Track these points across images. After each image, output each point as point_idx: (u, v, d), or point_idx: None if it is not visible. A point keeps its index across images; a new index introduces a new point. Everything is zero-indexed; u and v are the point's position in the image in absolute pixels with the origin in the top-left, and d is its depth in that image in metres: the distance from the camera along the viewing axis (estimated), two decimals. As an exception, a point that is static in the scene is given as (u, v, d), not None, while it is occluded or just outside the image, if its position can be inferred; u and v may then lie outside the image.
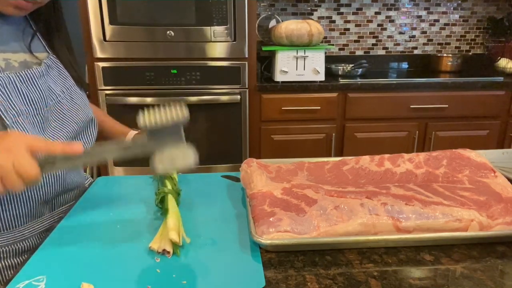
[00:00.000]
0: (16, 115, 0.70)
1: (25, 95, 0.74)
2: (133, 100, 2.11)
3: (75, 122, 0.84)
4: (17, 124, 0.70)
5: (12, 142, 0.57)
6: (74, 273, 0.59)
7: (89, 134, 0.90)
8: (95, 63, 2.06)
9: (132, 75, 2.09)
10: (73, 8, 2.12)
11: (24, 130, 0.71)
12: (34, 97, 0.75)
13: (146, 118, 0.60)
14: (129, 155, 0.62)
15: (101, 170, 2.30)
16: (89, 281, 0.57)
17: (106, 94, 2.11)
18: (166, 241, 0.63)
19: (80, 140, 0.87)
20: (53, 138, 0.78)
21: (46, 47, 0.85)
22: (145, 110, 0.62)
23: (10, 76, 0.72)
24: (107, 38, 2.03)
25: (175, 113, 0.62)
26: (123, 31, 2.03)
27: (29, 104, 0.74)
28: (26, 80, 0.75)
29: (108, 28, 2.02)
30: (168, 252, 0.62)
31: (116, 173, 2.25)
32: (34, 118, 0.75)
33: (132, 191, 0.89)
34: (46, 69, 0.80)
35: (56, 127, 0.80)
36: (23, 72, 0.74)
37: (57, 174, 0.80)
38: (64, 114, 0.82)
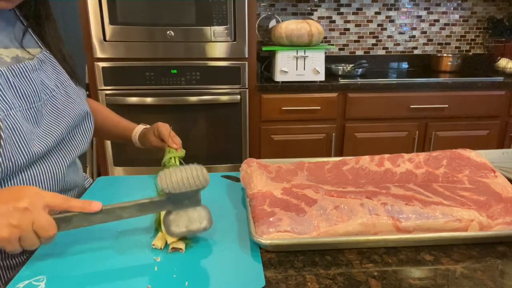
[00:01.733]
0: (8, 109, 0.69)
1: (17, 88, 0.73)
2: (133, 100, 2.11)
3: (70, 117, 0.83)
4: (9, 118, 0.69)
5: (30, 200, 0.55)
6: (74, 273, 0.59)
7: (85, 128, 0.89)
8: (95, 63, 2.06)
9: (132, 75, 2.09)
10: (73, 8, 2.12)
11: (17, 124, 0.70)
12: (26, 91, 0.74)
13: (167, 181, 0.60)
14: (146, 213, 0.63)
15: (101, 170, 2.30)
16: (89, 281, 0.57)
17: (106, 94, 2.11)
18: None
19: (75, 134, 0.87)
20: (48, 132, 0.78)
21: (38, 42, 0.84)
22: (164, 170, 0.62)
23: (2, 70, 0.71)
24: (107, 38, 2.03)
25: (197, 178, 0.61)
26: (123, 31, 2.03)
27: (21, 97, 0.73)
28: (18, 74, 0.74)
29: (108, 28, 2.02)
30: (181, 249, 0.64)
31: (116, 173, 2.25)
32: (27, 112, 0.74)
33: (132, 191, 0.89)
34: (38, 63, 0.80)
35: (50, 121, 0.79)
36: (15, 66, 0.74)
37: (56, 173, 0.79)
38: (59, 108, 0.82)
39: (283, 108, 2.20)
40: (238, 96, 2.16)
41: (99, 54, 2.05)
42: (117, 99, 2.11)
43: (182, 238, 0.65)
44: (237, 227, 0.72)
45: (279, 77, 2.21)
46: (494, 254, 0.63)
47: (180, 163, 0.85)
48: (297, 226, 0.65)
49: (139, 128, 1.04)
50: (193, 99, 2.13)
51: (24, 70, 0.75)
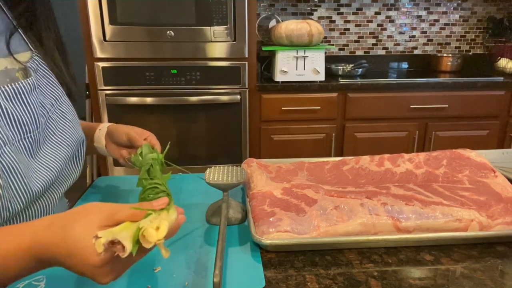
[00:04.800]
0: (2, 145, 0.55)
1: (11, 115, 0.59)
2: (133, 100, 2.11)
3: (68, 146, 0.70)
4: (4, 156, 0.55)
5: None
6: (74, 274, 0.59)
7: (80, 157, 0.76)
8: (95, 63, 2.06)
9: (132, 75, 2.09)
10: (73, 8, 2.12)
11: (13, 163, 0.56)
12: (22, 118, 0.60)
13: (211, 175, 0.75)
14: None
15: (101, 170, 2.30)
16: (89, 281, 0.56)
17: (106, 94, 2.11)
18: (128, 232, 0.43)
19: (72, 164, 0.74)
20: (46, 165, 0.65)
21: (29, 44, 0.70)
22: (212, 168, 0.77)
23: None
24: (107, 38, 2.03)
25: (235, 175, 0.75)
26: (123, 31, 2.03)
27: (16, 126, 0.59)
28: (13, 97, 0.60)
29: (108, 28, 2.02)
30: (123, 248, 0.42)
31: (116, 173, 2.25)
32: (22, 142, 0.60)
33: (132, 191, 0.89)
34: (35, 78, 0.65)
35: (48, 152, 0.67)
36: (9, 87, 0.59)
37: (49, 211, 0.68)
38: (56, 134, 0.69)
39: (283, 108, 2.20)
40: (238, 96, 2.16)
41: (99, 54, 2.05)
42: (117, 99, 2.11)
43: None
44: (237, 227, 0.72)
45: (279, 77, 2.21)
46: (494, 254, 0.63)
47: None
48: (297, 226, 0.65)
49: (103, 126, 0.85)
50: (193, 99, 2.13)
51: (20, 91, 0.61)
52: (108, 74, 2.08)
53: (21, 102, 0.61)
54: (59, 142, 0.69)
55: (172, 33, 2.04)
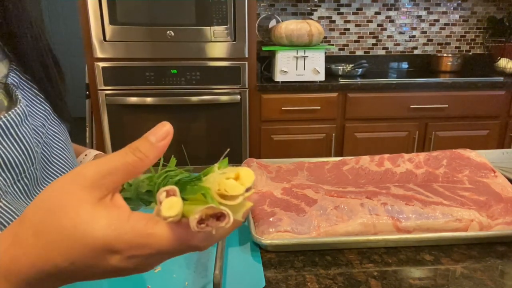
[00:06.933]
0: None
1: (1, 158, 0.47)
2: (133, 100, 2.11)
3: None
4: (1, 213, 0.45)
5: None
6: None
7: None
8: (95, 63, 2.06)
9: (132, 75, 2.09)
10: (73, 8, 2.13)
11: (9, 217, 0.46)
12: (16, 159, 0.48)
13: None
14: None
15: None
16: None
17: (106, 94, 2.11)
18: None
19: None
20: None
21: (5, 49, 0.55)
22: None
23: None
24: (107, 38, 2.03)
25: None
26: (123, 31, 2.03)
27: (8, 170, 0.47)
28: (1, 135, 0.47)
29: (108, 28, 2.02)
30: (222, 216, 0.30)
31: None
32: (14, 186, 0.48)
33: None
34: (23, 102, 0.51)
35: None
36: None
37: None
38: (52, 163, 0.56)
39: (283, 108, 2.20)
40: (238, 96, 2.16)
41: (99, 54, 2.05)
42: (117, 99, 2.11)
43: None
44: (237, 227, 0.72)
45: (279, 77, 2.21)
46: (494, 254, 0.63)
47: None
48: (297, 226, 0.65)
49: (89, 152, 0.75)
50: (193, 99, 2.13)
51: (9, 126, 0.48)
52: (108, 74, 2.08)
53: (12, 139, 0.48)
54: (56, 175, 0.57)
55: (172, 33, 2.04)
